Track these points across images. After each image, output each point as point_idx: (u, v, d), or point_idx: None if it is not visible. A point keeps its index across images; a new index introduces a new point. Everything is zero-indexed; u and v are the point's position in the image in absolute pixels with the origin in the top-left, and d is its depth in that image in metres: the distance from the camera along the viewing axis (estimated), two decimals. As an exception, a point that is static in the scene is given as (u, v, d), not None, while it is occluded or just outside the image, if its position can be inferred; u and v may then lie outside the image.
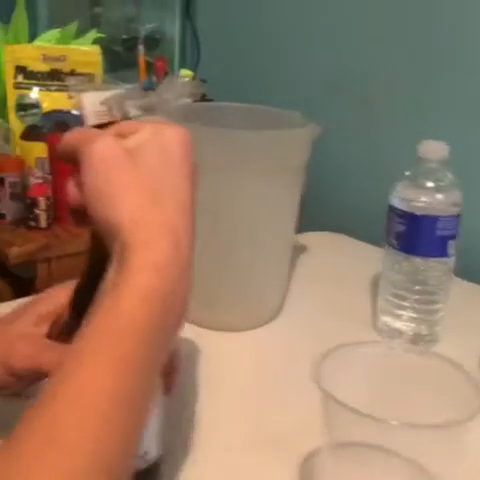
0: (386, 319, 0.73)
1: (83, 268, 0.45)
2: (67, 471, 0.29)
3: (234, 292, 0.72)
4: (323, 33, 1.13)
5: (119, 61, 1.29)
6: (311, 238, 1.02)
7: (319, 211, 1.14)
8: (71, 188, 0.39)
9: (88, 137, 0.38)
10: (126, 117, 0.90)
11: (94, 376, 0.32)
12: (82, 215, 0.39)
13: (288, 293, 0.82)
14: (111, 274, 0.36)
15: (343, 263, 0.94)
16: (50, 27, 1.14)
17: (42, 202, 0.84)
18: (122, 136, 0.39)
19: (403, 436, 0.38)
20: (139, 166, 0.37)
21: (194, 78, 1.16)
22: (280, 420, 0.58)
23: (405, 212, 0.69)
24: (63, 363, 0.33)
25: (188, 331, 0.71)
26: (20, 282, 0.83)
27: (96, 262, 0.44)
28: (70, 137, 0.39)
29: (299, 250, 0.96)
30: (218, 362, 0.68)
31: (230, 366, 0.68)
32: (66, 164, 0.41)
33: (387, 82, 1.05)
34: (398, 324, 0.73)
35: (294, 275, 0.88)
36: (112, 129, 0.39)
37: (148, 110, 0.90)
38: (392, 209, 0.71)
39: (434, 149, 0.68)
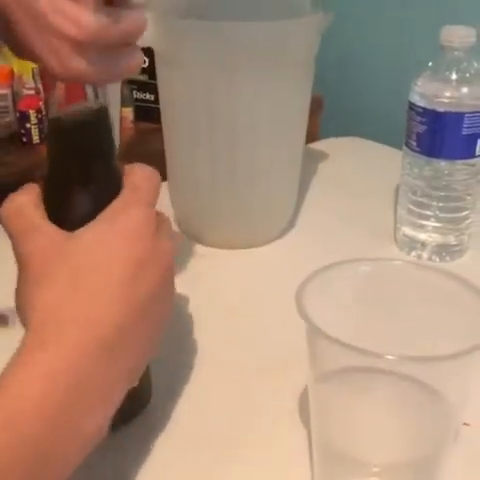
0: (406, 229, 0.67)
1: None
2: None
3: (235, 204, 0.66)
4: None
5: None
6: (331, 144, 0.95)
7: (341, 114, 1.06)
8: None
9: (24, 232, 0.36)
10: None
11: None
12: None
13: (303, 204, 0.76)
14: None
15: (365, 170, 0.87)
16: None
17: (33, 115, 0.78)
18: None
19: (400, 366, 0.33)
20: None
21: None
22: (277, 346, 0.53)
23: (426, 109, 0.61)
24: None
25: (186, 248, 0.68)
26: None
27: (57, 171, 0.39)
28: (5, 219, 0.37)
29: (317, 157, 0.89)
30: (218, 282, 0.63)
31: (230, 287, 0.63)
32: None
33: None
34: (420, 235, 0.66)
35: (310, 185, 0.81)
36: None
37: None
38: (412, 106, 0.63)
39: (458, 34, 0.59)
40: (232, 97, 0.62)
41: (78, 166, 0.39)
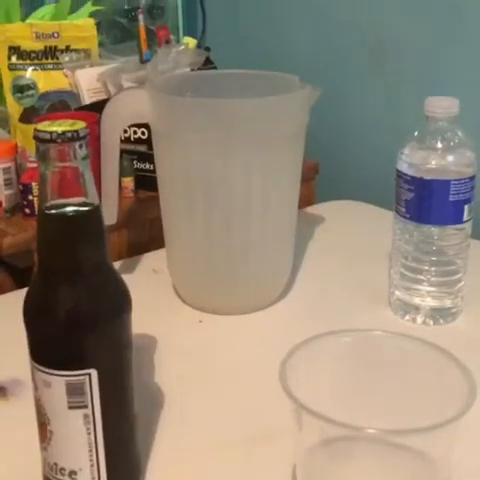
0: (400, 294, 0.68)
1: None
2: None
3: (230, 273, 0.67)
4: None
5: (125, 33, 1.24)
6: (327, 208, 0.97)
7: (337, 179, 1.08)
8: None
9: None
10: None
11: None
12: None
13: (299, 269, 0.77)
14: None
15: (360, 233, 0.89)
16: (55, 2, 1.10)
17: (35, 188, 0.80)
18: None
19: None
20: None
21: (199, 46, 1.11)
22: (266, 416, 0.53)
23: (413, 177, 0.63)
24: None
25: (183, 314, 0.70)
26: (19, 272, 0.81)
27: (44, 258, 0.41)
28: None
29: (313, 221, 0.91)
30: (214, 348, 0.64)
31: (226, 352, 0.63)
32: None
33: (399, 40, 0.97)
34: (414, 299, 0.67)
35: (306, 249, 0.83)
36: None
37: (143, 83, 0.86)
38: (399, 174, 0.65)
39: (442, 105, 0.62)
40: (226, 169, 0.64)
41: (64, 259, 0.40)
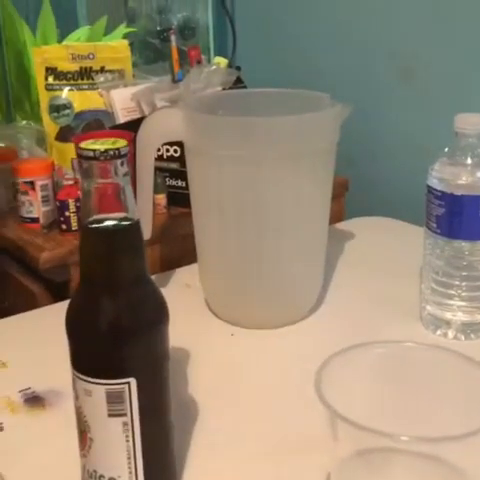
0: (431, 308, 0.68)
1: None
2: None
3: (262, 287, 0.68)
4: (363, 15, 1.07)
5: (157, 54, 1.27)
6: (357, 223, 0.97)
7: (367, 196, 1.09)
8: None
9: None
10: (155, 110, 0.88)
11: None
12: None
13: (329, 284, 0.78)
14: None
15: (390, 249, 0.89)
16: (90, 25, 1.13)
17: (72, 204, 0.82)
18: None
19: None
20: None
21: (229, 65, 1.13)
22: (299, 427, 0.54)
23: (444, 193, 0.64)
24: None
25: (215, 328, 0.71)
26: (56, 286, 0.83)
27: (87, 271, 0.43)
28: None
29: (344, 237, 0.92)
30: (246, 360, 0.65)
31: (258, 364, 0.64)
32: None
33: (428, 57, 0.98)
34: (445, 314, 0.67)
35: (336, 264, 0.84)
36: None
37: (176, 102, 0.88)
38: (430, 190, 0.65)
39: (472, 121, 0.62)
40: (258, 185, 0.65)
41: (106, 272, 0.42)
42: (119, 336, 0.42)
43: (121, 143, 0.42)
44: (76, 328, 0.43)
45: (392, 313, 0.72)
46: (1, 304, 0.89)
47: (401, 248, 0.88)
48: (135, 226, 0.43)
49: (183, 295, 0.77)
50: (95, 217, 0.42)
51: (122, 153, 0.41)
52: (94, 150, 0.41)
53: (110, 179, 0.41)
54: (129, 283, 0.42)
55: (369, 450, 0.39)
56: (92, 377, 0.42)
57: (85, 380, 0.42)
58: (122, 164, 0.41)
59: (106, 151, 0.41)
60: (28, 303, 0.81)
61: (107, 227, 0.42)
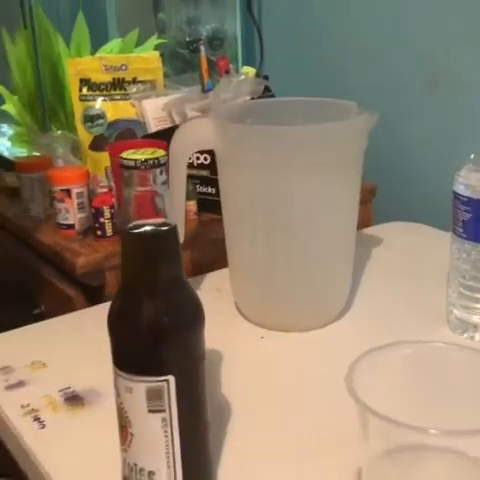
0: (458, 312, 0.69)
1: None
2: None
3: (291, 290, 0.70)
4: (390, 24, 1.08)
5: (186, 64, 1.30)
6: (384, 229, 0.99)
7: (394, 202, 1.10)
8: None
9: None
10: (186, 120, 0.90)
11: None
12: None
13: (357, 288, 0.80)
14: None
15: (417, 253, 0.90)
16: (120, 36, 1.17)
17: (106, 211, 0.85)
18: None
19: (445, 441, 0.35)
20: None
21: (257, 75, 1.15)
22: (328, 428, 0.56)
23: (470, 198, 0.65)
24: None
25: (246, 331, 0.73)
26: (91, 290, 0.86)
27: (128, 274, 0.45)
28: None
29: (371, 242, 0.93)
30: (276, 362, 0.67)
31: (288, 366, 0.66)
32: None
33: (455, 65, 0.99)
34: (472, 317, 0.69)
35: (364, 269, 0.85)
36: None
37: (206, 112, 0.90)
38: (456, 196, 0.67)
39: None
40: (287, 191, 0.67)
41: (146, 275, 0.44)
42: (159, 336, 0.44)
43: (160, 153, 0.44)
44: (118, 328, 0.45)
45: (419, 317, 0.73)
46: (37, 308, 0.93)
47: (428, 253, 0.89)
48: (173, 231, 0.45)
49: (214, 299, 0.79)
50: (135, 223, 0.44)
51: (161, 162, 0.44)
52: (135, 160, 0.43)
53: (150, 187, 0.44)
54: (168, 286, 0.45)
55: (400, 448, 0.40)
56: (133, 375, 0.44)
57: (126, 377, 0.44)
58: (161, 173, 0.44)
59: (146, 161, 0.43)
60: (64, 307, 0.84)
61: (147, 232, 0.44)
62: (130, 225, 0.44)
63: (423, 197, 1.07)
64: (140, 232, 0.44)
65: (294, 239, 0.68)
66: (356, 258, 0.76)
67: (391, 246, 0.93)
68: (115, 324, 0.45)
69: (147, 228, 0.44)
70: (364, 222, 0.97)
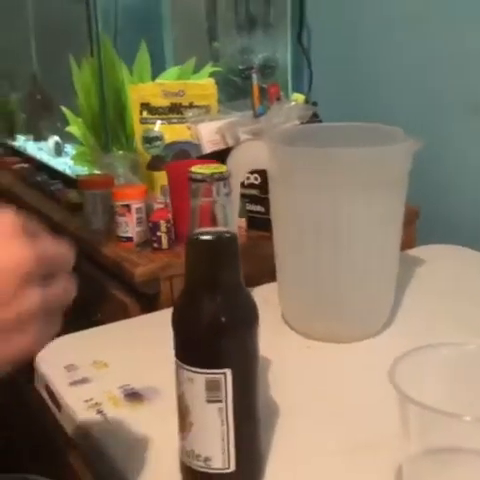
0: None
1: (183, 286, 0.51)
2: None
3: (337, 303, 0.74)
4: (434, 52, 1.13)
5: (237, 90, 1.36)
6: (428, 251, 1.02)
7: (437, 224, 1.13)
8: None
9: None
10: (238, 143, 0.96)
11: None
12: None
13: (400, 304, 0.83)
14: None
15: (460, 274, 0.93)
16: (176, 64, 1.24)
17: (163, 225, 0.91)
18: None
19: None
20: None
21: (306, 101, 1.21)
22: (377, 428, 0.60)
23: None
24: None
25: (292, 341, 0.77)
26: (147, 299, 0.91)
27: (192, 276, 0.50)
28: None
29: (414, 262, 0.96)
30: (321, 371, 0.71)
31: (333, 375, 0.70)
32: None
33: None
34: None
35: (406, 288, 0.88)
36: None
37: (258, 135, 0.96)
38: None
39: None
40: (334, 210, 0.71)
41: (208, 278, 0.49)
42: (218, 333, 0.49)
43: (223, 168, 0.50)
44: (182, 325, 0.50)
45: (460, 333, 0.76)
46: (95, 316, 0.98)
47: (470, 274, 0.92)
48: (234, 239, 0.50)
49: (262, 310, 0.82)
50: (200, 230, 0.49)
51: (225, 176, 0.49)
52: (202, 174, 0.48)
53: (214, 198, 0.49)
54: (227, 288, 0.49)
55: (439, 449, 0.43)
56: (194, 366, 0.49)
57: (188, 369, 0.49)
58: (224, 185, 0.49)
59: (212, 174, 0.49)
60: (120, 314, 0.90)
61: (210, 239, 0.49)
62: (195, 232, 0.49)
63: (467, 220, 1.09)
64: (204, 239, 0.49)
65: (340, 255, 0.73)
66: (399, 278, 0.79)
67: (433, 267, 0.96)
68: (179, 321, 0.50)
69: (211, 235, 0.49)
70: (408, 243, 1.00)
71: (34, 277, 0.40)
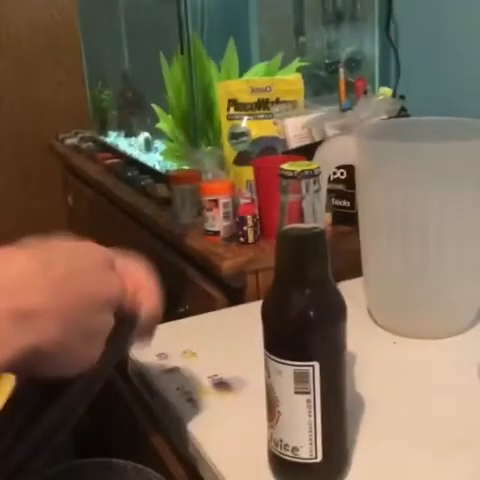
0: None
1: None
2: None
3: (425, 298, 0.74)
4: None
5: (324, 85, 1.36)
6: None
7: None
8: None
9: None
10: (325, 138, 0.96)
11: None
12: None
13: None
14: None
15: None
16: (262, 60, 1.25)
17: (249, 220, 0.93)
18: None
19: None
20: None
21: (394, 95, 1.19)
22: (465, 426, 0.59)
23: None
24: None
25: (378, 336, 0.77)
26: (233, 292, 0.93)
27: (281, 271, 0.51)
28: None
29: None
30: (407, 366, 0.71)
31: (420, 370, 0.70)
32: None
33: None
34: None
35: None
36: None
37: (345, 130, 0.96)
38: None
39: None
40: (423, 205, 0.71)
41: (298, 272, 0.50)
42: (307, 326, 0.50)
43: (314, 165, 0.50)
44: (272, 318, 0.52)
45: None
46: (182, 308, 1.01)
47: None
48: (323, 235, 0.51)
49: (347, 305, 0.83)
50: (290, 226, 0.50)
51: (315, 173, 0.50)
52: (293, 171, 0.50)
53: (304, 194, 0.50)
54: (317, 282, 0.51)
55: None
56: (283, 359, 0.50)
57: (277, 361, 0.51)
58: (314, 182, 0.50)
59: (302, 171, 0.49)
60: (207, 307, 0.92)
61: (300, 235, 0.50)
62: (285, 228, 0.51)
63: None
64: (294, 234, 0.50)
65: (429, 251, 0.72)
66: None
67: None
68: (269, 315, 0.52)
69: (300, 231, 0.50)
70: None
71: (116, 306, 0.48)
